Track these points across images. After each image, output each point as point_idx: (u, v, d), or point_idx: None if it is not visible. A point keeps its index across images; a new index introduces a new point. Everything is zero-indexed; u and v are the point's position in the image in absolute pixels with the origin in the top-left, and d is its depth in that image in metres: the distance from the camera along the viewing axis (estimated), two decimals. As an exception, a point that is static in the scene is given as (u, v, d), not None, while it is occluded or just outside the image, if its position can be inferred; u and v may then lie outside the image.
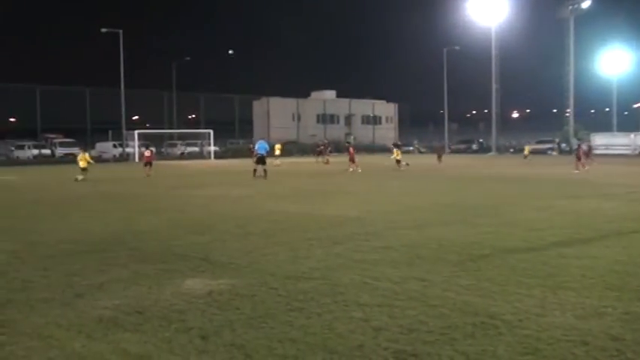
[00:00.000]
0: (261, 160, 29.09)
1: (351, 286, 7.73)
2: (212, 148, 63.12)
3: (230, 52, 75.27)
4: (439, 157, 45.10)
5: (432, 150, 78.63)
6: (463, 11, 73.04)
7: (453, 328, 5.99)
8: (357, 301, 6.98)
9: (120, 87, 59.61)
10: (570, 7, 71.86)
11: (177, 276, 8.39)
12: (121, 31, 59.25)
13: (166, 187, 24.70)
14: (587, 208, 15.80)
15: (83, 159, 30.29)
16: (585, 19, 76.47)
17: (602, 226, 12.68)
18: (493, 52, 73.10)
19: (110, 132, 62.64)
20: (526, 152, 52.27)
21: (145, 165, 33.06)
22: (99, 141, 63.84)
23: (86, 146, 60.08)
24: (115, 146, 61.96)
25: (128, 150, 59.60)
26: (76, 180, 28.17)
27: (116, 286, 7.85)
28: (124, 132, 60.51)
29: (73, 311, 6.72)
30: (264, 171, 28.43)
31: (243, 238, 11.59)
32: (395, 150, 37.51)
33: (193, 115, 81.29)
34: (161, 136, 64.41)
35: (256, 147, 30.58)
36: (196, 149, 66.93)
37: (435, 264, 9.03)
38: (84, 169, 29.66)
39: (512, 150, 75.07)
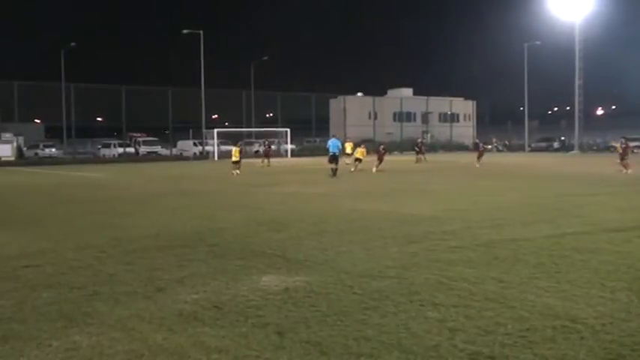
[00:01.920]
0: (333, 159, 29.09)
1: (426, 285, 7.66)
2: (289, 147, 63.77)
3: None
4: (479, 156, 39.02)
5: (509, 148, 76.85)
6: (545, 5, 70.98)
7: (532, 331, 5.85)
8: (432, 301, 6.91)
9: (200, 87, 61.07)
10: (660, -1, 68.64)
11: (254, 272, 8.53)
12: (201, 32, 60.69)
13: (244, 185, 25.14)
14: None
15: (235, 153, 32.38)
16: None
17: (693, 228, 12.08)
18: (577, 47, 70.69)
19: (191, 131, 64.23)
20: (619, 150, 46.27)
21: (234, 163, 32.89)
22: (180, 139, 65.61)
23: (167, 144, 62.08)
24: (195, 144, 63.50)
25: (208, 148, 60.93)
26: (236, 175, 30.40)
27: (195, 280, 8.07)
28: (204, 130, 61.92)
29: (154, 305, 6.95)
30: (334, 170, 28.39)
31: (318, 235, 11.67)
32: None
33: (271, 114, 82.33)
34: (240, 135, 65.51)
35: (329, 145, 30.61)
36: (274, 147, 67.82)
37: (513, 265, 8.83)
38: (236, 162, 31.80)
39: (595, 148, 72.25)
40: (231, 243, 10.96)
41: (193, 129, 63.73)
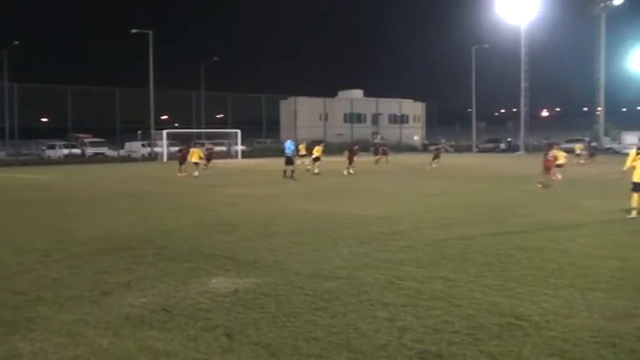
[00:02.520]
0: (289, 161, 28.99)
1: (376, 285, 7.72)
2: (239, 148, 63.40)
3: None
4: (434, 157, 37.62)
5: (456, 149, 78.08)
6: (492, 9, 72.41)
7: (479, 328, 5.96)
8: (381, 301, 6.97)
9: (149, 87, 60.21)
10: (602, 4, 70.76)
11: (204, 274, 8.45)
12: (150, 32, 59.82)
13: (193, 187, 24.89)
14: (614, 209, 15.55)
15: (195, 154, 31.66)
16: (617, 16, 75.29)
17: (630, 227, 12.49)
18: (522, 51, 72.32)
19: (139, 132, 63.24)
20: (578, 151, 44.94)
21: (195, 164, 32.00)
22: (128, 140, 64.53)
23: (115, 145, 61.01)
24: (143, 146, 62.56)
25: (157, 149, 60.10)
26: (197, 176, 29.71)
27: (143, 284, 7.95)
28: (153, 132, 61.05)
29: (100, 309, 6.82)
30: (292, 171, 28.33)
31: (268, 237, 11.63)
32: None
33: (221, 115, 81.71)
34: (190, 136, 64.86)
35: (285, 147, 30.42)
36: (224, 149, 67.33)
37: (460, 264, 8.97)
38: (196, 164, 31.11)
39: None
40: (180, 245, 10.84)
41: (142, 130, 62.76)
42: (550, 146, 24.64)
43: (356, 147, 34.37)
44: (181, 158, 32.65)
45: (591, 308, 6.59)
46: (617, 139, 69.57)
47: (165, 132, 58.48)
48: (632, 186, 14.11)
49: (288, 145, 29.99)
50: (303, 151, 42.84)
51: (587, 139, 69.70)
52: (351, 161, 31.89)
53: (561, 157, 26.89)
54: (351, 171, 31.10)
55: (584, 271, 8.35)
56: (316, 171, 31.02)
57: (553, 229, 12.15)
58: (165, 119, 74.97)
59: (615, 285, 7.60)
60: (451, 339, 5.67)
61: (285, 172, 28.29)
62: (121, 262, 9.31)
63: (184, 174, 31.10)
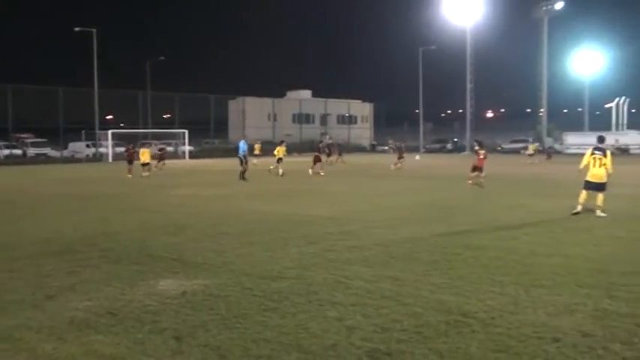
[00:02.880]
0: (242, 162, 28.45)
1: (325, 285, 7.74)
2: (187, 148, 62.70)
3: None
4: (399, 158, 37.18)
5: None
6: (438, 11, 73.48)
7: (427, 326, 6.03)
8: (331, 301, 6.99)
9: (93, 86, 58.99)
10: (544, 8, 72.64)
11: (151, 277, 8.33)
12: (94, 30, 58.62)
13: (141, 187, 24.50)
14: (559, 207, 15.97)
15: (145, 154, 31.11)
16: (559, 20, 77.44)
17: (573, 225, 12.84)
18: (468, 52, 73.63)
19: (83, 132, 61.89)
20: (531, 151, 45.10)
21: (144, 165, 31.24)
22: (72, 141, 63.09)
23: (58, 146, 59.54)
24: (88, 146, 61.28)
25: (101, 150, 58.95)
26: (146, 176, 29.22)
27: (88, 287, 7.78)
28: (97, 132, 59.85)
29: (43, 313, 6.64)
30: (243, 172, 27.91)
31: (217, 238, 11.54)
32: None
33: (168, 115, 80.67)
34: (136, 136, 63.82)
35: (240, 149, 29.64)
36: (171, 149, 66.53)
37: (408, 263, 9.07)
38: (146, 164, 30.55)
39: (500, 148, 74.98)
40: (127, 247, 10.65)
41: (86, 130, 61.44)
42: (481, 146, 25.35)
43: (321, 144, 33.72)
44: (129, 158, 31.88)
45: (535, 304, 6.74)
46: (558, 139, 71.48)
47: (110, 132, 57.39)
48: (583, 184, 14.49)
49: (241, 146, 29.51)
50: (257, 152, 42.44)
51: (530, 139, 71.37)
52: (316, 162, 31.10)
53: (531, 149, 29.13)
54: (322, 172, 30.41)
55: (528, 269, 8.55)
56: (280, 172, 30.18)
57: (498, 228, 12.41)
58: (110, 119, 73.63)
59: (558, 281, 7.80)
60: (400, 337, 5.72)
61: (241, 173, 27.80)
62: (65, 265, 9.09)
63: (131, 175, 30.48)
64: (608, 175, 14.31)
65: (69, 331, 6.01)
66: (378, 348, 5.44)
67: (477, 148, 25.22)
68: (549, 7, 72.42)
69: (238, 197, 19.74)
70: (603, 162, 14.21)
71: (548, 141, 70.64)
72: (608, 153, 14.37)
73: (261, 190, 22.34)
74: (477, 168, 24.04)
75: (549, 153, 46.53)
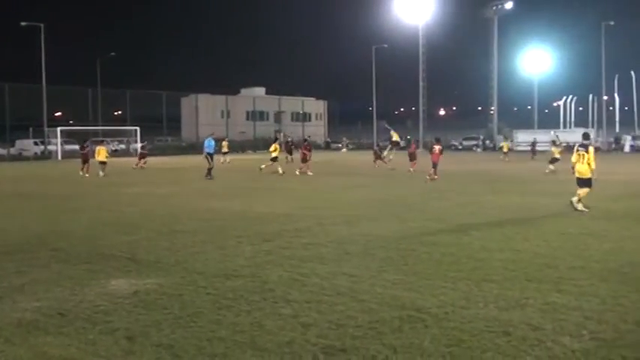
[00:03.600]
0: (209, 159, 27.70)
1: (280, 282, 7.72)
2: (139, 145, 61.80)
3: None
4: (376, 158, 37.43)
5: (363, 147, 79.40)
6: (391, 9, 74.11)
7: (381, 322, 6.07)
8: (285, 298, 6.98)
9: (41, 82, 57.64)
10: (494, 8, 73.99)
11: (102, 276, 8.18)
12: (42, 25, 57.25)
13: (92, 186, 24.05)
14: (510, 203, 16.29)
15: (102, 152, 29.90)
16: (508, 19, 79.23)
17: (522, 221, 13.10)
18: (420, 50, 74.48)
19: (31, 129, 60.41)
20: (505, 149, 45.12)
21: (101, 163, 29.86)
22: (19, 138, 61.53)
23: (4, 144, 57.97)
24: (36, 144, 59.88)
25: (50, 147, 57.65)
26: (102, 175, 28.27)
27: (37, 287, 7.59)
28: (46, 129, 58.52)
29: (-10, 315, 6.46)
30: (209, 170, 27.22)
31: (170, 236, 11.40)
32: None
33: (119, 112, 79.37)
34: (86, 134, 62.64)
35: (205, 145, 28.85)
36: (123, 147, 65.48)
37: (363, 259, 9.12)
38: (103, 163, 29.35)
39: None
40: (77, 246, 10.44)
41: (34, 127, 59.98)
42: (438, 142, 26.67)
43: (305, 142, 31.67)
44: (84, 157, 30.59)
45: (486, 299, 6.86)
46: (509, 137, 72.86)
47: (59, 129, 56.20)
48: (576, 181, 14.84)
49: (207, 143, 28.54)
50: (225, 149, 41.96)
51: (481, 136, 72.50)
52: (304, 160, 29.31)
53: (556, 152, 29.67)
54: (309, 172, 28.66)
55: (479, 264, 8.69)
56: (280, 171, 28.83)
57: (451, 224, 12.57)
58: (59, 116, 72.08)
59: (508, 276, 7.95)
60: (354, 333, 5.75)
61: (208, 170, 27.19)
62: (13, 265, 8.86)
63: (88, 174, 29.39)
64: (592, 171, 14.56)
65: (17, 333, 5.86)
66: (333, 344, 5.46)
67: (433, 143, 26.69)
68: (499, 6, 73.83)
69: (192, 195, 19.55)
70: (586, 158, 14.51)
71: (498, 138, 71.99)
72: (590, 149, 14.58)
73: (216, 188, 22.18)
74: (434, 164, 25.04)
75: (534, 150, 46.76)
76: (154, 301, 6.94)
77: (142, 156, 38.00)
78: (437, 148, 25.66)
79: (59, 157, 53.88)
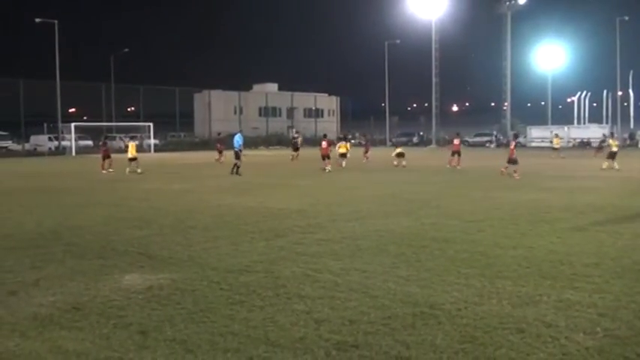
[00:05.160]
0: (237, 155, 27.52)
1: (292, 278, 7.73)
2: (152, 142, 62.04)
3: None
4: (366, 151, 39.85)
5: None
6: (404, 5, 73.87)
7: (394, 318, 6.07)
8: (298, 294, 6.99)
9: (56, 79, 57.96)
10: (507, 3, 73.60)
11: (116, 271, 8.23)
12: (56, 22, 57.56)
13: (105, 182, 24.18)
14: (522, 200, 16.22)
15: (133, 148, 29.44)
16: (522, 15, 78.69)
17: (537, 217, 13.03)
18: (433, 46, 74.22)
19: (45, 125, 60.79)
20: (557, 145, 41.41)
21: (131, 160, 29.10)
22: (34, 134, 61.95)
23: (20, 139, 58.38)
24: (50, 139, 60.25)
25: (64, 143, 58.00)
26: (133, 172, 27.78)
27: (52, 282, 7.65)
28: (60, 125, 58.87)
29: (5, 309, 6.51)
30: (237, 167, 26.80)
31: (183, 232, 11.45)
32: (342, 143, 35.83)
33: (132, 108, 79.69)
34: (100, 129, 62.94)
35: (234, 141, 28.46)
36: (136, 142, 65.77)
37: (376, 255, 9.11)
38: (133, 159, 28.83)
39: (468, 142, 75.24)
40: (91, 242, 10.50)
41: (48, 123, 60.36)
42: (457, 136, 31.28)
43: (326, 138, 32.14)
44: (104, 154, 29.96)
45: (500, 296, 6.83)
46: (523, 133, 72.50)
47: (73, 125, 56.48)
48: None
49: (237, 140, 28.46)
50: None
51: (494, 132, 72.13)
52: (324, 157, 29.57)
53: (614, 145, 29.51)
54: (328, 168, 28.84)
55: (493, 261, 8.66)
56: (344, 164, 31.55)
57: (464, 221, 12.53)
58: (73, 112, 72.43)
59: (522, 273, 7.92)
60: (367, 329, 5.75)
61: (234, 167, 26.91)
62: (28, 261, 8.93)
63: (112, 169, 28.93)
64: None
65: (32, 327, 5.91)
66: (346, 340, 5.46)
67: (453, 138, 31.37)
68: (513, 2, 73.37)
69: (205, 191, 19.61)
70: None
71: (510, 135, 71.67)
72: None
73: (229, 184, 22.23)
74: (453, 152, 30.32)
75: (600, 146, 41.57)
76: (168, 296, 6.97)
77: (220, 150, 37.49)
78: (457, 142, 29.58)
79: (73, 153, 54.17)
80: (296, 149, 40.61)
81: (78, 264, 8.72)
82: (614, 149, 29.10)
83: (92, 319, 6.14)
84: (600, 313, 6.19)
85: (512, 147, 24.61)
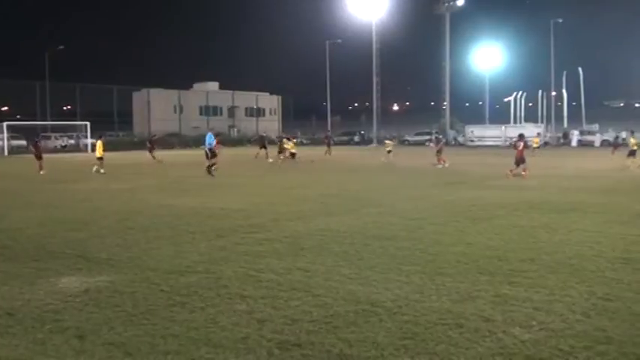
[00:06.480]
0: (209, 155, 26.66)
1: (234, 278, 7.68)
2: (89, 141, 60.58)
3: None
4: (328, 147, 45.26)
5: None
6: (344, 5, 74.32)
7: (336, 316, 6.10)
8: (240, 294, 6.94)
9: (-14, 76, 56.02)
10: (446, 4, 74.85)
11: (52, 274, 8.00)
12: (-13, 17, 55.64)
13: (41, 182, 23.49)
14: (462, 198, 16.53)
15: (100, 147, 28.32)
16: (461, 15, 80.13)
17: (475, 214, 13.30)
18: (374, 46, 74.92)
19: (-25, 124, 58.70)
20: (635, 146, 30.90)
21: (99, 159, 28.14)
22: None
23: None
24: (-19, 139, 58.19)
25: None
26: (97, 172, 26.80)
27: (-16, 287, 7.38)
28: (-8, 124, 56.91)
29: None
30: (210, 166, 25.90)
31: (123, 233, 11.22)
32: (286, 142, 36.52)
33: (69, 107, 77.71)
34: (34, 129, 61.12)
35: (206, 140, 27.46)
36: (72, 142, 64.11)
37: (318, 254, 9.13)
38: (100, 159, 27.85)
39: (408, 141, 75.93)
40: (25, 244, 10.18)
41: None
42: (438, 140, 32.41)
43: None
44: (37, 153, 28.79)
45: (440, 292, 6.95)
46: (461, 132, 73.95)
47: (5, 124, 54.68)
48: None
49: (207, 139, 27.33)
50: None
51: (435, 131, 73.28)
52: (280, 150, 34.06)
53: (634, 144, 29.18)
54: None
55: (433, 258, 8.79)
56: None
57: (405, 218, 12.68)
58: (5, 111, 70.20)
59: (461, 269, 8.07)
60: (309, 328, 5.76)
61: (208, 167, 25.95)
62: (-42, 265, 8.60)
63: (43, 171, 27.56)
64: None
65: (-38, 334, 5.69)
66: (289, 339, 5.46)
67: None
68: (451, 3, 74.69)
69: (145, 191, 19.28)
70: None
71: (451, 133, 73.05)
72: None
73: (169, 184, 21.92)
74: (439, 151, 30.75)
75: (620, 144, 39.54)
76: (106, 299, 6.83)
77: (152, 149, 37.10)
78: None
79: (6, 153, 52.49)
80: (264, 147, 40.18)
81: (11, 267, 8.44)
82: (634, 147, 29.12)
83: (27, 324, 5.95)
84: (536, 307, 6.36)
85: (520, 148, 24.28)
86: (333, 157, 42.49)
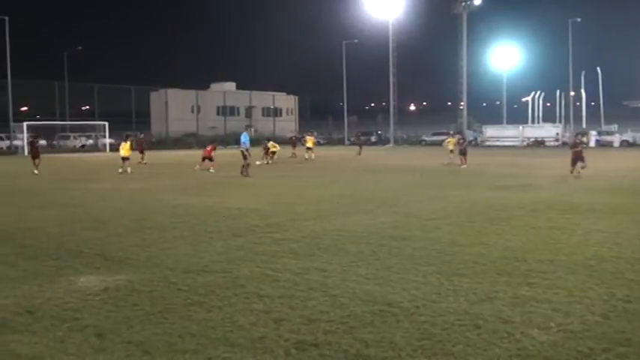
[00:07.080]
0: (243, 156, 25.94)
1: (252, 278, 7.70)
2: (107, 141, 61.06)
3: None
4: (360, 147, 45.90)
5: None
6: (361, 5, 74.26)
7: (353, 316, 6.09)
8: (257, 293, 6.96)
9: (7, 77, 56.61)
10: (463, 4, 74.53)
11: (71, 273, 8.07)
12: (7, 18, 56.25)
13: (59, 182, 23.70)
14: (479, 198, 16.45)
15: (125, 148, 28.52)
16: (478, 15, 79.81)
17: (493, 215, 13.23)
18: (390, 46, 74.78)
19: (-5, 124, 59.41)
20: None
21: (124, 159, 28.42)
22: (-17, 133, 60.47)
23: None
24: (1, 139, 58.87)
25: (16, 143, 56.69)
26: (124, 172, 27.02)
27: (4, 285, 7.46)
28: (12, 124, 57.52)
29: (-44, 313, 6.33)
30: (245, 167, 25.69)
31: (140, 232, 11.29)
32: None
33: (87, 107, 78.34)
34: (52, 128, 61.70)
35: (241, 140, 26.85)
36: (91, 142, 64.67)
37: (335, 254, 9.13)
38: (125, 159, 28.06)
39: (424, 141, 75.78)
40: (45, 243, 10.28)
41: (-1, 122, 58.99)
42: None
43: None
44: (33, 153, 29.07)
45: (457, 293, 6.92)
46: (478, 131, 73.61)
47: (25, 124, 55.24)
48: None
49: (243, 139, 26.70)
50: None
51: (451, 132, 73.03)
52: (266, 152, 34.72)
53: None
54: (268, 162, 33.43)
55: (450, 258, 8.76)
56: (313, 156, 35.90)
57: (422, 219, 12.64)
58: (25, 110, 70.90)
59: (478, 270, 8.03)
60: (326, 328, 5.76)
61: (243, 167, 25.67)
62: (-21, 263, 8.69)
63: (37, 171, 27.58)
64: None
65: (-17, 332, 5.76)
66: (306, 339, 5.46)
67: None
68: (468, 2, 74.35)
69: (161, 191, 19.38)
70: None
71: (468, 133, 72.69)
72: None
73: (186, 184, 22.02)
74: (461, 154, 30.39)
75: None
76: (124, 297, 6.87)
77: (141, 150, 36.62)
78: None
79: (26, 153, 52.95)
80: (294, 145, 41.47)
81: (31, 266, 8.53)
82: None
83: (46, 322, 6.01)
84: (554, 308, 6.31)
85: (579, 148, 23.82)
86: (348, 156, 42.44)
